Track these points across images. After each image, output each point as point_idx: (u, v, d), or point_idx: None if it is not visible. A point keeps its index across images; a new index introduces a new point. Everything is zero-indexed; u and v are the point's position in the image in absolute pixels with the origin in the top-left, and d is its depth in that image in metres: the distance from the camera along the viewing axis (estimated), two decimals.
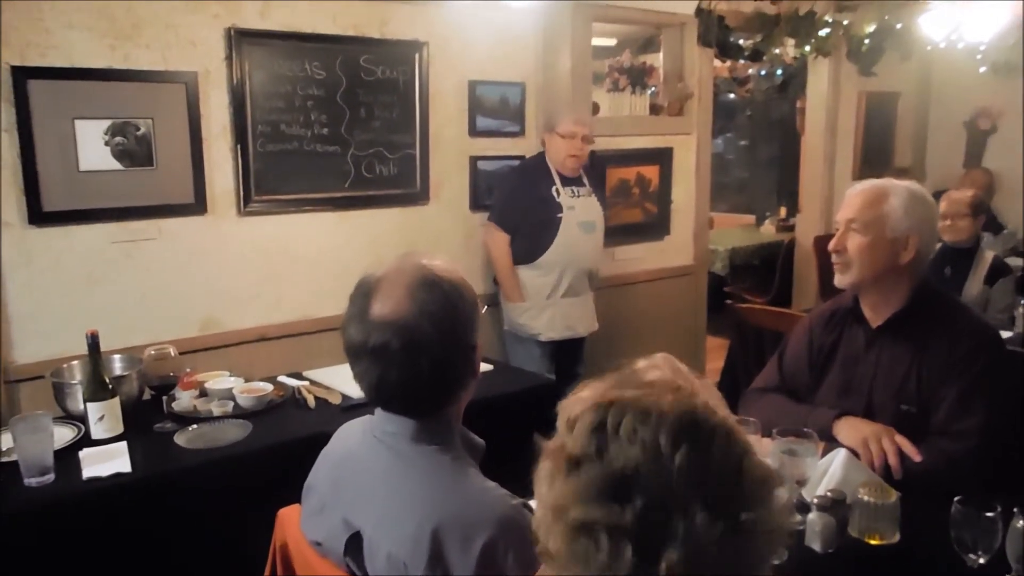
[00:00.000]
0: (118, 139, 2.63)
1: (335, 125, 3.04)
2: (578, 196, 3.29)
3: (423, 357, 1.14)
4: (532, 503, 1.10)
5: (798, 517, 1.48)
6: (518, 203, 3.27)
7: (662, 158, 4.09)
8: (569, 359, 3.39)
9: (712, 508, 0.69)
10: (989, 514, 1.26)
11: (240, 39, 2.79)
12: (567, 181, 3.28)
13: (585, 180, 3.34)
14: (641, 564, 0.69)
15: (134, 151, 2.66)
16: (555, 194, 3.24)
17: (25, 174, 2.49)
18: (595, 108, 3.87)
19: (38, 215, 2.53)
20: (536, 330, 3.29)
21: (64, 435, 1.95)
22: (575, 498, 0.72)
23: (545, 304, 3.28)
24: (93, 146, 2.58)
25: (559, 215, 3.22)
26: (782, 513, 0.75)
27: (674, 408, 0.73)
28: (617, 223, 3.79)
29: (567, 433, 0.75)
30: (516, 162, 3.56)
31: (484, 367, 2.24)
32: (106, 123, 2.60)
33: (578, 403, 0.77)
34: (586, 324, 3.39)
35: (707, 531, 0.69)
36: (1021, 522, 1.25)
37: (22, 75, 2.44)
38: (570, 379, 3.27)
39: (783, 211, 6.55)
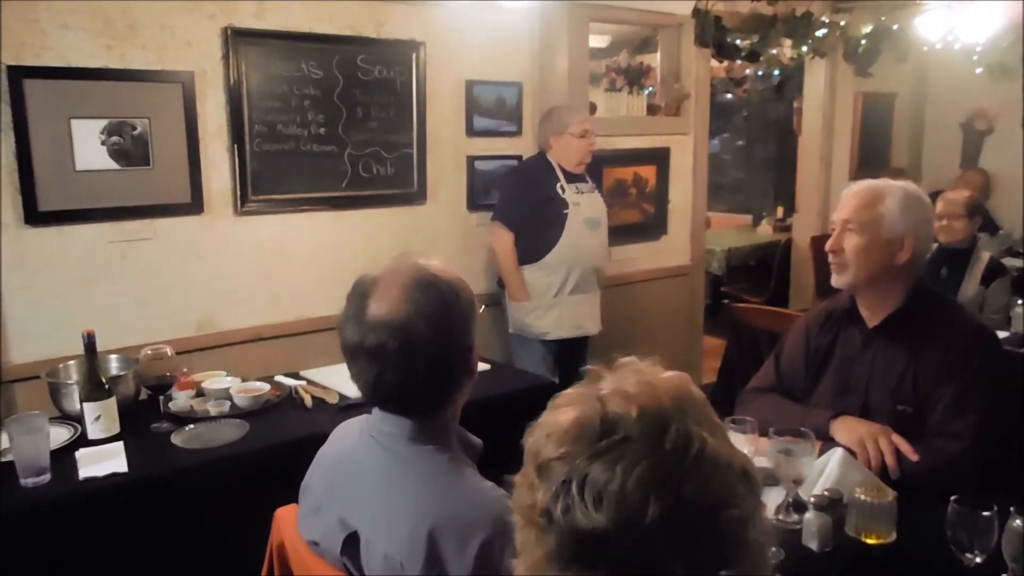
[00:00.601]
0: (114, 139, 2.62)
1: (332, 125, 3.04)
2: (582, 193, 3.30)
3: (419, 357, 1.14)
4: None
5: (794, 516, 1.48)
6: (523, 200, 3.25)
7: (659, 158, 4.09)
8: (573, 359, 3.39)
9: (690, 567, 0.67)
10: (985, 513, 1.27)
11: (236, 39, 2.79)
12: (571, 178, 3.28)
13: (587, 177, 3.35)
14: None
15: (130, 151, 2.66)
16: (560, 191, 3.24)
17: (21, 174, 2.48)
18: (592, 108, 3.88)
19: (34, 215, 2.52)
20: (543, 329, 3.28)
21: (60, 435, 1.94)
22: (546, 562, 0.70)
23: (552, 303, 3.26)
24: (89, 146, 2.58)
25: (565, 211, 3.22)
26: (762, 559, 0.72)
27: (641, 458, 0.68)
28: (614, 223, 3.78)
29: (536, 477, 0.72)
30: (514, 161, 3.57)
31: (482, 367, 2.24)
32: (102, 123, 2.59)
33: (547, 442, 0.72)
34: (594, 322, 3.39)
35: None
36: (1017, 521, 1.25)
37: (17, 75, 2.43)
38: (575, 380, 3.27)
39: (780, 211, 6.56)
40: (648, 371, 0.77)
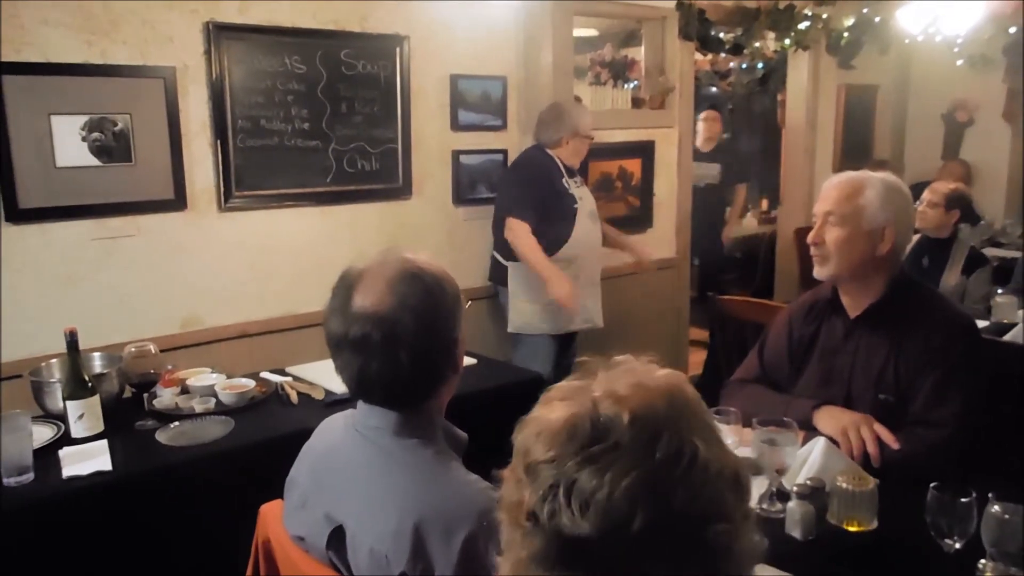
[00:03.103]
0: (95, 135, 2.60)
1: (316, 120, 3.03)
2: (580, 187, 3.32)
3: (403, 349, 1.14)
4: None
5: (778, 505, 1.50)
6: (538, 194, 3.21)
7: (644, 151, 4.10)
8: (567, 353, 3.40)
9: (675, 569, 0.68)
10: (964, 500, 1.28)
11: (219, 34, 2.77)
12: (570, 173, 3.30)
13: (577, 171, 3.36)
14: None
15: (112, 147, 2.63)
16: (566, 185, 3.24)
17: (1, 171, 2.46)
18: (577, 101, 3.88)
19: (15, 212, 2.50)
20: (557, 324, 3.27)
21: (43, 434, 1.93)
22: (530, 564, 0.70)
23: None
24: (70, 142, 2.55)
25: (575, 205, 3.24)
26: (748, 569, 0.72)
27: (631, 468, 0.67)
28: (600, 216, 3.80)
29: (524, 476, 0.72)
30: (499, 156, 3.56)
31: (468, 361, 2.24)
32: (83, 119, 2.57)
33: (537, 442, 0.72)
34: (599, 315, 3.40)
35: None
36: (996, 507, 1.27)
37: None
38: (564, 372, 3.28)
39: (765, 204, 6.59)
40: (642, 371, 0.76)
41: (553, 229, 3.22)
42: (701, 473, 0.69)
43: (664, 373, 0.76)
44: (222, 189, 2.87)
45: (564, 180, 3.25)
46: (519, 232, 3.15)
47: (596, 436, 0.69)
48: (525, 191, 3.22)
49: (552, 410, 0.73)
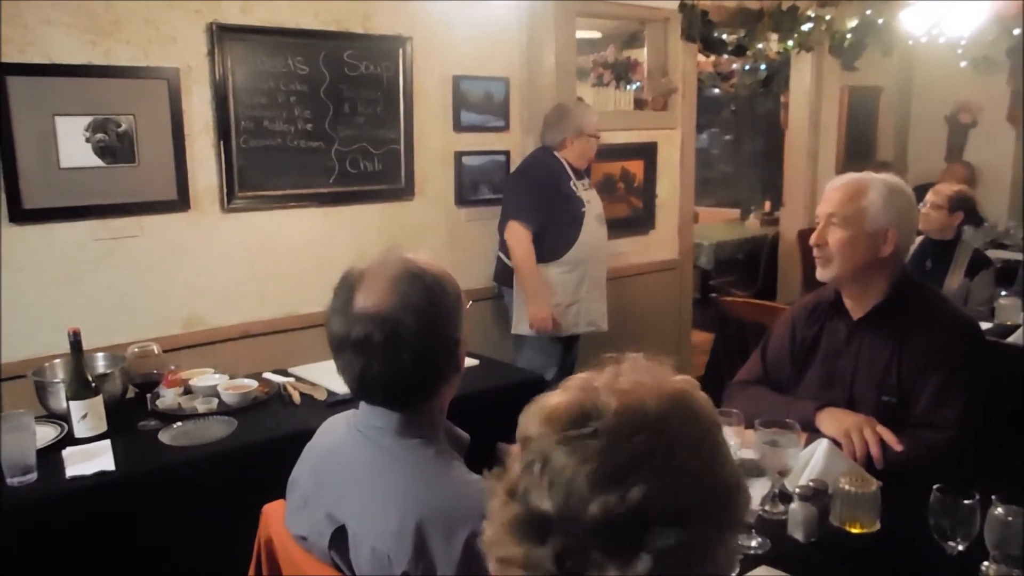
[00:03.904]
0: (99, 136, 2.61)
1: (319, 121, 3.03)
2: (588, 189, 3.32)
3: (405, 349, 1.14)
4: None
5: (780, 507, 1.50)
6: (545, 198, 3.21)
7: (647, 153, 4.10)
8: (569, 354, 3.41)
9: (622, 564, 0.67)
10: (967, 502, 1.28)
11: (222, 34, 2.77)
12: (578, 175, 3.29)
13: (585, 173, 3.36)
14: None
15: (116, 148, 2.64)
16: (573, 188, 3.24)
17: (5, 172, 2.47)
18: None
19: (19, 213, 2.51)
20: (562, 327, 3.27)
21: (47, 434, 1.93)
22: (504, 532, 0.72)
23: (572, 299, 3.26)
24: (74, 143, 2.56)
25: (583, 209, 3.23)
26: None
27: (599, 455, 0.68)
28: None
29: (520, 450, 0.75)
30: (502, 157, 3.56)
31: (470, 362, 2.24)
32: (87, 120, 2.58)
33: (533, 421, 0.74)
34: (604, 318, 3.39)
35: None
36: (999, 509, 1.27)
37: (0, 72, 2.41)
38: (566, 373, 3.29)
39: (767, 205, 6.59)
40: (650, 370, 0.76)
41: (560, 232, 3.22)
42: (669, 477, 0.68)
43: (677, 378, 0.76)
44: (225, 190, 2.87)
45: (572, 183, 3.24)
46: (519, 238, 3.18)
47: (580, 421, 0.71)
48: (530, 195, 3.22)
49: (558, 395, 0.76)
